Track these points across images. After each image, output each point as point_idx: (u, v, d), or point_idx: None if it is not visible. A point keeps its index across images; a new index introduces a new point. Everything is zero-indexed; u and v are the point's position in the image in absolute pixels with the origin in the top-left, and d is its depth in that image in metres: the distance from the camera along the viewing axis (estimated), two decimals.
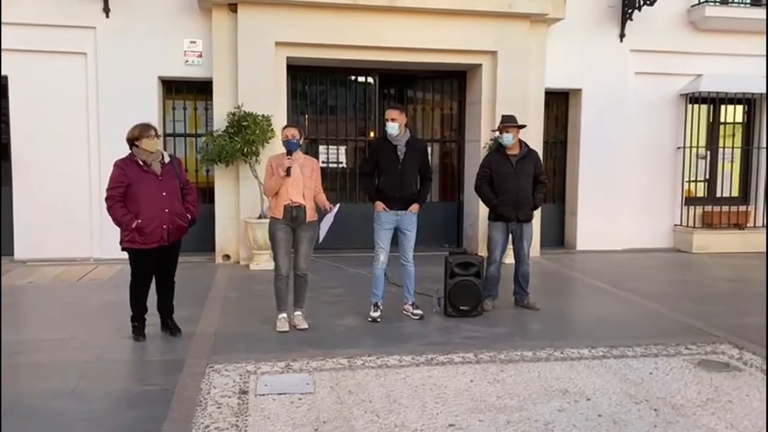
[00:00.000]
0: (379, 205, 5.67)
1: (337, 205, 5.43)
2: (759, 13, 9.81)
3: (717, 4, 9.88)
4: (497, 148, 6.33)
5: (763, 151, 10.39)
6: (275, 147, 7.51)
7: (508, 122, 6.08)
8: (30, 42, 8.17)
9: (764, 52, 9.57)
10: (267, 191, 5.39)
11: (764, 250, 9.38)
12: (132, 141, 4.89)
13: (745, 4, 10.14)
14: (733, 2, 10.11)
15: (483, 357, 4.72)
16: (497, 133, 6.36)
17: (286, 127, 5.46)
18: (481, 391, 4.07)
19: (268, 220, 5.57)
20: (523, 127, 6.23)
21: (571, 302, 7.03)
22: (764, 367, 4.57)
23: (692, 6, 9.82)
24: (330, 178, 9.53)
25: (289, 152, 5.23)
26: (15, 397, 3.87)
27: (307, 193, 5.32)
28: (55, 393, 3.98)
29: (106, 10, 8.31)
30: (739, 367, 4.60)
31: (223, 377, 4.25)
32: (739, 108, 10.48)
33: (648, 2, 9.30)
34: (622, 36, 9.70)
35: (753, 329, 5.50)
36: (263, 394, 3.95)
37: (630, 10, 9.52)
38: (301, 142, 5.38)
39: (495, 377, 4.31)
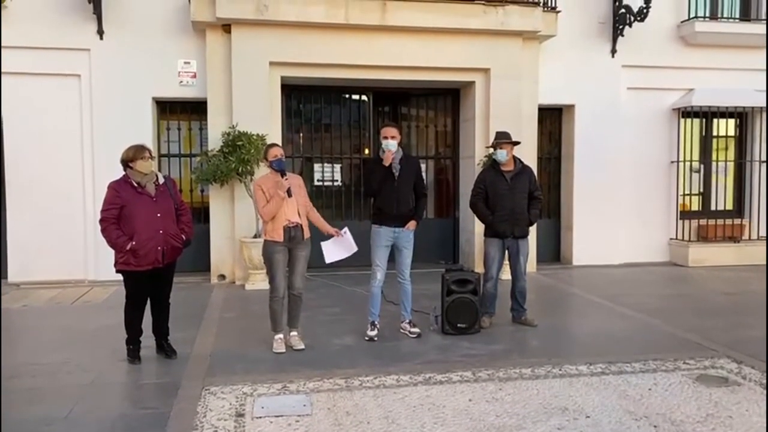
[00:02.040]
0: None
1: (345, 229, 5.48)
2: (748, 27, 9.93)
3: (707, 19, 9.98)
4: (492, 164, 6.34)
5: (756, 164, 10.45)
6: None
7: (502, 139, 6.10)
8: (25, 64, 8.19)
9: (755, 66, 9.68)
10: (266, 216, 5.25)
11: (759, 262, 9.41)
12: (126, 162, 4.89)
13: (735, 19, 10.24)
14: (722, 17, 10.22)
15: (481, 375, 4.70)
16: (491, 150, 6.38)
17: (271, 146, 5.40)
18: (479, 410, 4.04)
19: (263, 240, 5.54)
20: (517, 143, 6.25)
21: (569, 318, 7.01)
22: (764, 381, 4.56)
23: (682, 21, 9.93)
24: (326, 195, 9.55)
25: (283, 172, 5.23)
26: (8, 423, 3.82)
27: (301, 210, 5.33)
28: (49, 418, 3.94)
29: (101, 33, 8.35)
30: (738, 381, 4.58)
31: (220, 400, 4.21)
32: (732, 121, 10.55)
33: (639, 18, 9.40)
34: (613, 52, 9.79)
35: (751, 343, 5.49)
36: (260, 417, 3.91)
37: (621, 27, 9.62)
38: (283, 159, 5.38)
39: (493, 396, 4.29)
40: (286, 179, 5.21)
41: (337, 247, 5.50)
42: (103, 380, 4.67)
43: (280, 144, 5.57)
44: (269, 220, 5.26)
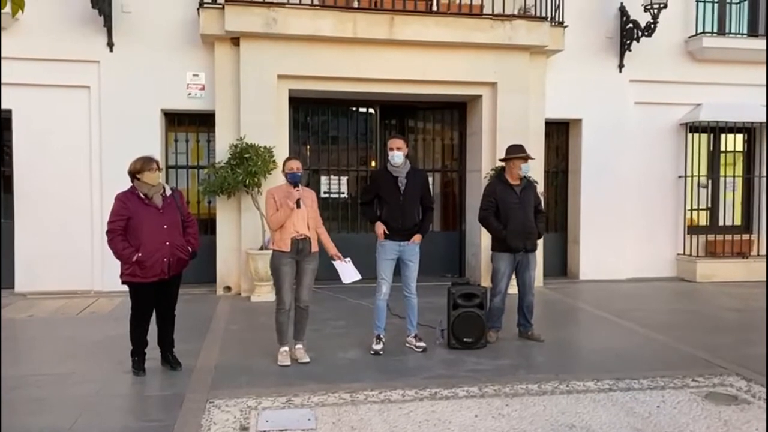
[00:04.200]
0: (380, 227, 5.65)
1: (348, 259, 5.50)
2: (755, 43, 9.92)
3: (714, 34, 9.99)
4: (498, 177, 6.32)
5: (765, 180, 10.40)
6: (277, 178, 7.54)
7: (520, 152, 6.07)
8: (35, 76, 8.25)
9: (762, 82, 9.65)
10: (273, 225, 5.31)
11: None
12: (134, 174, 4.90)
13: (742, 34, 10.24)
14: (730, 33, 10.22)
15: (488, 391, 4.66)
16: (503, 163, 6.36)
17: (289, 159, 5.49)
18: (486, 426, 4.00)
19: (269, 252, 5.54)
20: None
21: (576, 333, 6.96)
22: None
23: (690, 37, 9.93)
24: (332, 208, 9.56)
25: (296, 184, 5.27)
26: None
27: (311, 223, 5.35)
28: (53, 429, 3.93)
29: (110, 45, 8.42)
30: (748, 399, 4.52)
31: (224, 413, 4.19)
32: (739, 137, 10.53)
33: (646, 33, 9.41)
34: (621, 66, 9.79)
35: (760, 360, 5.41)
36: (264, 430, 3.89)
37: (628, 41, 9.63)
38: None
39: (500, 412, 4.25)
40: (298, 191, 5.24)
41: (345, 270, 5.50)
42: (107, 392, 4.66)
43: (297, 157, 5.67)
44: (277, 230, 5.28)
